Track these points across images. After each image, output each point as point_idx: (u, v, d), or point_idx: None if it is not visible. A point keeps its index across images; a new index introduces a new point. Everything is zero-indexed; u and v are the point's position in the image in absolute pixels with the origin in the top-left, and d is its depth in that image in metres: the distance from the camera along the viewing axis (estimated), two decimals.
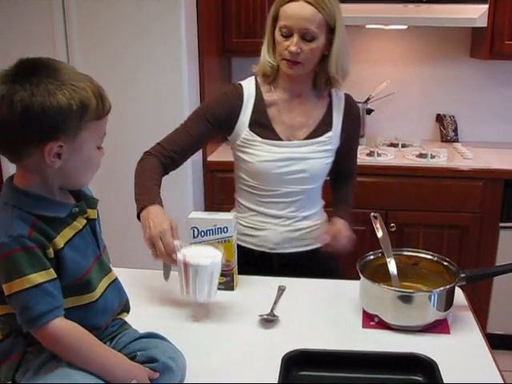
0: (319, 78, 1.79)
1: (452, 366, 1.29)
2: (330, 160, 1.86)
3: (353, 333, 1.48)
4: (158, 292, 1.68)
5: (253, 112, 1.79)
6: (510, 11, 2.92)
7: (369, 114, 3.31)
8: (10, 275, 1.06)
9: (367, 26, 3.22)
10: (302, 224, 1.88)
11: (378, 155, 3.03)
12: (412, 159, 3.00)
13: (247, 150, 1.80)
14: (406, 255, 1.65)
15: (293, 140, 1.80)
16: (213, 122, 1.80)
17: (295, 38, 1.67)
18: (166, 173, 1.82)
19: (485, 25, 2.90)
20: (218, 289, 1.53)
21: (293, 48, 1.67)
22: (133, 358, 1.18)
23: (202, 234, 1.63)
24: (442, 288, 1.47)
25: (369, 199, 2.93)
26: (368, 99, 3.28)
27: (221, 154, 3.15)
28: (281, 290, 1.67)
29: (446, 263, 1.59)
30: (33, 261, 1.06)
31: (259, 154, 1.78)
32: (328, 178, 1.96)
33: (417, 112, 3.48)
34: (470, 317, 1.55)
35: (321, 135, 1.82)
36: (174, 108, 2.75)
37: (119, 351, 1.20)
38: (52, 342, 1.08)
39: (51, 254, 1.10)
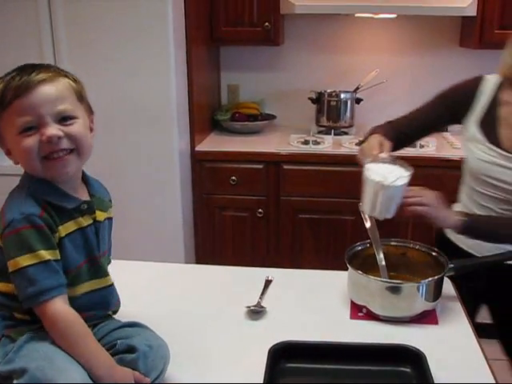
0: None
1: (440, 357, 1.28)
2: None
3: (341, 324, 1.47)
4: (144, 283, 1.67)
5: (485, 108, 1.73)
6: (499, 0, 2.90)
7: (358, 103, 3.30)
8: (20, 250, 1.09)
9: (356, 15, 3.20)
10: None
11: None
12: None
13: (469, 144, 1.75)
14: (393, 245, 1.64)
15: None
16: (445, 106, 1.82)
17: None
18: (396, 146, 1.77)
19: (474, 14, 2.88)
20: None
21: None
22: (113, 347, 1.17)
23: None
24: (430, 279, 1.46)
25: (359, 189, 2.92)
26: (357, 88, 3.27)
27: (209, 144, 3.13)
28: (268, 281, 1.66)
29: (434, 253, 1.58)
30: (43, 238, 1.10)
31: (476, 151, 1.72)
32: None
33: (406, 101, 3.42)
34: (458, 307, 1.54)
35: None
36: (162, 97, 2.72)
37: (101, 338, 1.19)
38: (52, 321, 1.10)
39: (56, 239, 1.14)
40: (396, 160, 1.55)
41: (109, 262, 1.34)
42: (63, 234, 1.15)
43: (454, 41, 3.32)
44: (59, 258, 1.13)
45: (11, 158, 1.18)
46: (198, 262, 3.10)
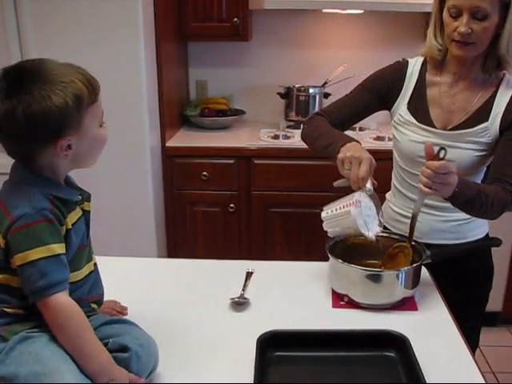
0: (489, 59, 1.66)
1: (422, 341, 1.31)
2: (481, 153, 1.69)
3: (323, 313, 1.49)
4: (123, 278, 1.66)
5: (413, 91, 1.76)
6: None
7: (326, 97, 3.33)
8: (31, 244, 1.09)
9: (324, 11, 3.23)
10: (452, 216, 1.74)
11: None
12: (370, 142, 3.03)
13: (400, 128, 1.77)
14: None
15: (447, 126, 1.71)
16: (374, 94, 1.82)
17: (465, 18, 1.56)
18: None
19: None
20: None
21: (462, 29, 1.57)
22: (105, 345, 1.16)
23: None
24: (409, 266, 1.51)
25: (328, 182, 2.95)
26: (325, 83, 3.30)
27: (179, 140, 3.12)
28: (249, 273, 1.67)
29: (413, 242, 1.61)
30: (54, 232, 1.12)
31: (409, 133, 1.74)
32: None
33: None
34: (435, 294, 1.59)
35: (473, 126, 1.68)
36: (132, 94, 2.71)
37: None
38: (55, 312, 1.10)
39: (63, 231, 1.15)
40: (373, 194, 1.55)
41: None
42: (70, 226, 1.17)
43: (420, 36, 3.36)
44: (65, 251, 1.14)
45: (67, 155, 1.15)
46: (170, 258, 3.09)
